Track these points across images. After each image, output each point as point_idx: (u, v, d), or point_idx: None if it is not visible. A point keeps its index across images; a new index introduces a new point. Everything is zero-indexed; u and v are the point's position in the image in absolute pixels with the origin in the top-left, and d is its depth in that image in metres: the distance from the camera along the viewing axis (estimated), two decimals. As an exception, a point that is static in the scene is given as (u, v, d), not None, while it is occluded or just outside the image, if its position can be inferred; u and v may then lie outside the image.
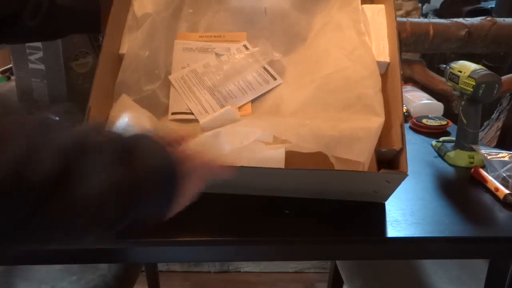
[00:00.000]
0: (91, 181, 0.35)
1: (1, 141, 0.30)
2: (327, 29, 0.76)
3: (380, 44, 0.73)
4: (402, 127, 0.61)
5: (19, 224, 0.33)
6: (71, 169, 0.33)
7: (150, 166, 0.39)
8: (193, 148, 0.46)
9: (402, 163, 0.59)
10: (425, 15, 1.56)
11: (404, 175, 0.57)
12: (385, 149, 0.62)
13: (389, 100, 0.69)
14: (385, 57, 0.72)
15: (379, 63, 0.71)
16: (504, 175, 0.70)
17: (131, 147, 0.39)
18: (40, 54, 0.81)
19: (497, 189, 0.66)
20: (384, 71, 0.72)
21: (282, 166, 0.60)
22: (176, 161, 0.42)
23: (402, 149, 0.60)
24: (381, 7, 0.77)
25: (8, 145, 0.31)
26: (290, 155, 0.62)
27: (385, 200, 0.64)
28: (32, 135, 0.32)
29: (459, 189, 0.71)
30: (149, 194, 0.40)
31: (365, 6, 0.77)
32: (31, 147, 0.31)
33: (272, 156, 0.61)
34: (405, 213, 0.61)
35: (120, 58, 0.72)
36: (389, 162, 0.62)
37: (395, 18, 0.71)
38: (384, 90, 0.72)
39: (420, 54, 1.40)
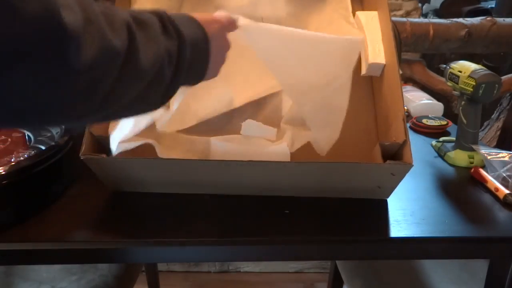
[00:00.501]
0: (150, 47, 0.40)
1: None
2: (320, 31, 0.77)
3: (376, 48, 0.74)
4: (404, 121, 0.61)
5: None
6: (134, 38, 0.38)
7: (191, 34, 0.46)
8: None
9: (406, 154, 0.59)
10: (425, 15, 1.56)
11: (409, 165, 0.58)
12: (388, 143, 0.62)
13: (388, 99, 0.69)
14: (381, 59, 0.73)
15: (375, 65, 0.72)
16: (504, 175, 0.70)
17: (171, 19, 0.44)
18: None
19: (497, 189, 0.66)
20: (380, 72, 0.73)
21: (288, 159, 0.60)
22: (206, 29, 0.49)
23: (406, 141, 0.60)
24: (374, 14, 0.78)
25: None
26: (293, 155, 0.62)
27: (388, 197, 0.64)
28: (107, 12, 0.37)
29: (459, 189, 0.71)
30: (192, 57, 0.46)
31: (359, 12, 0.78)
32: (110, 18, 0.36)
33: (277, 151, 0.62)
34: (405, 213, 0.61)
35: None
36: (392, 157, 0.62)
37: (390, 21, 0.72)
38: (382, 90, 0.73)
39: (420, 54, 1.40)
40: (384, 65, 0.72)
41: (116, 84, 0.37)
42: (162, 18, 0.44)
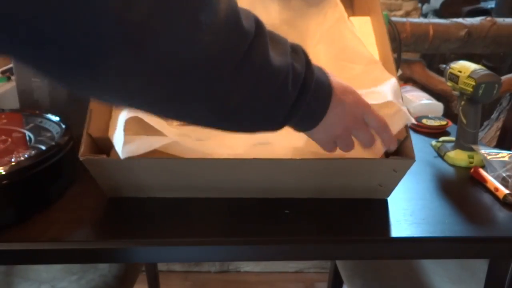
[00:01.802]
0: (277, 50, 0.40)
1: None
2: (321, 41, 0.77)
3: (370, 50, 0.75)
4: None
5: None
6: (262, 32, 0.38)
7: (318, 72, 0.45)
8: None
9: (408, 150, 0.59)
10: (425, 15, 1.56)
11: (412, 160, 0.58)
12: None
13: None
14: None
15: None
16: (504, 175, 0.70)
17: (303, 49, 0.43)
18: (40, 54, 0.82)
19: (496, 189, 0.66)
20: None
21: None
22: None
23: (407, 137, 0.60)
24: (367, 19, 0.79)
25: None
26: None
27: (388, 196, 0.64)
28: None
29: (459, 189, 0.71)
30: (315, 92, 0.44)
31: (352, 18, 0.79)
32: None
33: (279, 152, 0.62)
34: (405, 213, 0.61)
35: None
36: (394, 154, 0.62)
37: (384, 25, 0.73)
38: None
39: (420, 54, 1.40)
40: None
41: (239, 69, 0.35)
42: (293, 45, 0.42)
